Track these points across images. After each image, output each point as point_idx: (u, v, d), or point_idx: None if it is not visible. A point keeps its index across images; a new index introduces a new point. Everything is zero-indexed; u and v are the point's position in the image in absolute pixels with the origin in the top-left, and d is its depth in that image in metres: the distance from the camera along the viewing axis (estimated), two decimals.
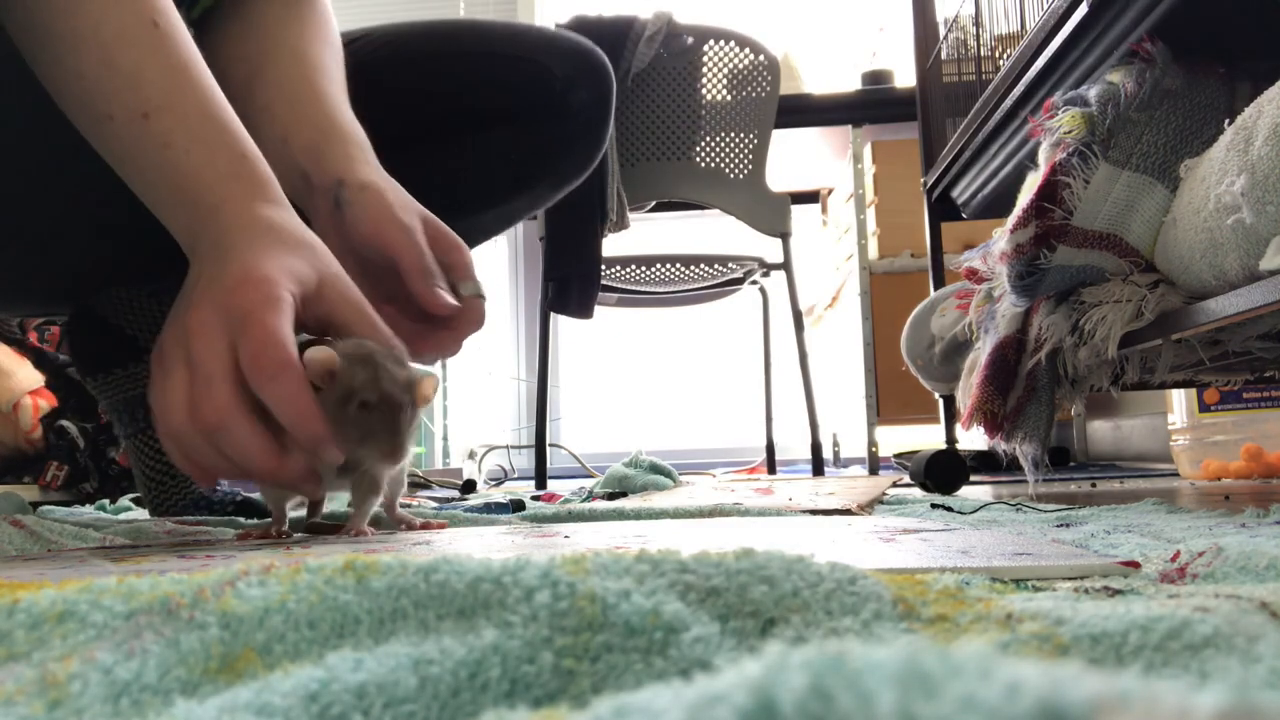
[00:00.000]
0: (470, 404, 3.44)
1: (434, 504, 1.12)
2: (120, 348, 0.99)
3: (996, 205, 1.39)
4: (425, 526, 0.73)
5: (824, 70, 2.95)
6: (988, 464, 1.80)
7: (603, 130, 0.98)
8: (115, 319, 0.99)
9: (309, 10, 0.80)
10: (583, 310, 2.10)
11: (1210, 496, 1.16)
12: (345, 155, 0.70)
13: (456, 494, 1.61)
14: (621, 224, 2.07)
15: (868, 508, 0.96)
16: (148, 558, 0.54)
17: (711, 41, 2.09)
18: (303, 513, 0.79)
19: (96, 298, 0.99)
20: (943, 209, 1.61)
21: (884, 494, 1.21)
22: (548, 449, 2.14)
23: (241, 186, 0.59)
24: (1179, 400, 1.71)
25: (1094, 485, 1.58)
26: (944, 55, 1.64)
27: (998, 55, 1.34)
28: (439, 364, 3.37)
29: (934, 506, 0.95)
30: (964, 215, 1.54)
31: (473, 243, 0.98)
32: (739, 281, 2.30)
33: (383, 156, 0.74)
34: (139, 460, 1.03)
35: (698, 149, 2.12)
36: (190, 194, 0.59)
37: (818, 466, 2.16)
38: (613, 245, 2.11)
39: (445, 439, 3.31)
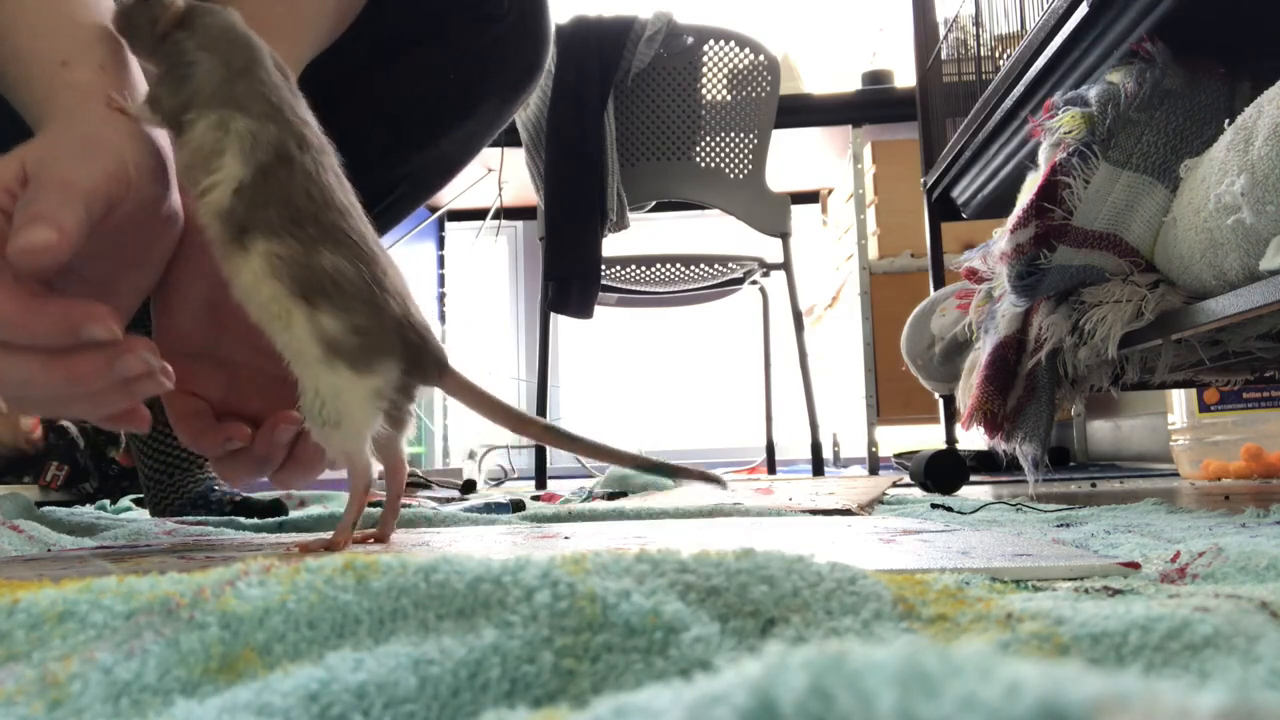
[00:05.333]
0: None
1: (434, 504, 1.12)
2: None
3: (996, 205, 1.39)
4: None
5: (824, 70, 2.95)
6: (988, 464, 1.80)
7: (542, 23, 0.90)
8: None
9: None
10: (583, 310, 2.10)
11: (1210, 496, 1.16)
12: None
13: (456, 494, 1.61)
14: (621, 224, 2.07)
15: (868, 508, 0.96)
16: (148, 558, 0.54)
17: (711, 41, 2.09)
18: (305, 513, 0.79)
19: None
20: (943, 209, 1.61)
21: (884, 494, 1.21)
22: (548, 449, 2.14)
23: None
24: (1179, 400, 1.71)
25: (1094, 485, 1.58)
26: (944, 55, 1.63)
27: (998, 55, 1.34)
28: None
29: (934, 507, 0.95)
30: (964, 215, 1.54)
31: (441, 180, 0.94)
32: (739, 281, 2.30)
33: (321, 104, 0.70)
34: (140, 458, 1.03)
35: (698, 149, 2.12)
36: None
37: (818, 466, 2.16)
38: (613, 245, 2.11)
39: (445, 439, 3.31)
